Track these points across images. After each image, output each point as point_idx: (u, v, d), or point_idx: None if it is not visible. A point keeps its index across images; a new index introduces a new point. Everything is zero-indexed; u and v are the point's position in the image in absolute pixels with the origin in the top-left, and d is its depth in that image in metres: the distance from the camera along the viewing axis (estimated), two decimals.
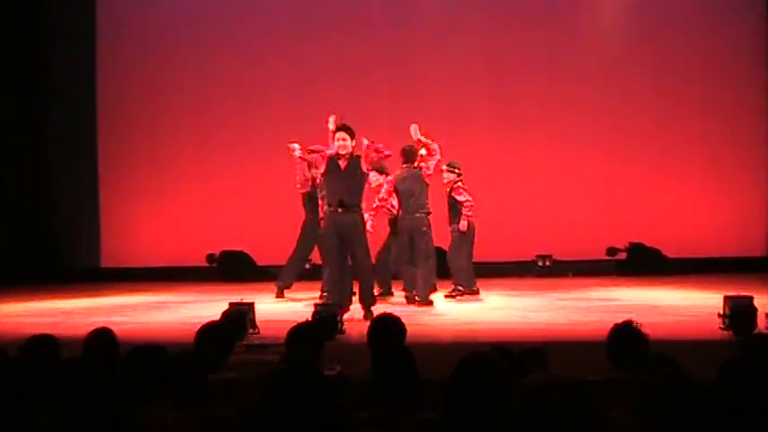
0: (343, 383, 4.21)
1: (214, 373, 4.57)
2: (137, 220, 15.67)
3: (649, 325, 4.92)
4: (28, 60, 15.79)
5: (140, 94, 15.74)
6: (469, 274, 11.15)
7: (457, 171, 11.10)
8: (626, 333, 4.74)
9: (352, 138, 9.19)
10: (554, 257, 14.47)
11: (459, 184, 11.05)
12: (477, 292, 11.06)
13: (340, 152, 9.06)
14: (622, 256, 14.49)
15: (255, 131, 15.32)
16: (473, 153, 14.28)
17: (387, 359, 3.77)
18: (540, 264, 14.39)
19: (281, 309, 9.83)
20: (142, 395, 3.45)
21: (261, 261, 14.72)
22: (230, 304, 7.93)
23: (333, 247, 9.11)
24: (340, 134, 9.11)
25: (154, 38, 15.84)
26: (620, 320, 4.89)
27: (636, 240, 14.46)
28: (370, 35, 15.37)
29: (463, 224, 10.79)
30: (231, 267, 14.85)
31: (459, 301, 10.68)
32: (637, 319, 4.87)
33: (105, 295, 12.30)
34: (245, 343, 6.86)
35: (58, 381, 3.38)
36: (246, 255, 14.91)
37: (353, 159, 9.09)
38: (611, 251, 14.47)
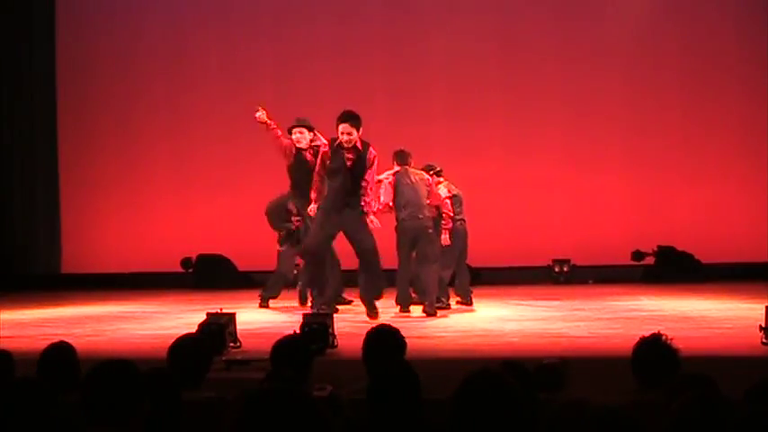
0: (335, 406, 4.20)
1: (190, 391, 4.55)
2: (101, 220, 15.67)
3: (680, 338, 4.91)
4: None
5: (106, 80, 15.76)
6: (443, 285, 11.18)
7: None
8: (654, 348, 4.72)
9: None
10: (573, 263, 14.49)
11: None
12: (447, 307, 10.98)
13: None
14: (650, 260, 14.49)
15: (238, 121, 15.29)
16: (485, 149, 14.34)
17: (385, 378, 3.74)
18: (558, 270, 14.40)
19: (265, 320, 9.82)
20: (106, 418, 3.43)
21: (242, 266, 14.73)
22: (208, 315, 7.91)
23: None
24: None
25: (121, 19, 15.84)
26: (647, 333, 4.88)
27: (665, 244, 14.46)
28: (367, 16, 15.38)
29: (445, 238, 10.87)
30: (209, 273, 14.84)
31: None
32: (666, 331, 4.86)
33: (65, 305, 12.29)
34: (224, 358, 6.84)
35: (10, 402, 3.36)
36: (226, 259, 14.91)
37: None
38: (637, 255, 14.47)
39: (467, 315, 10.40)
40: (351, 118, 9.40)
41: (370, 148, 9.52)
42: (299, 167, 10.44)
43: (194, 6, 15.78)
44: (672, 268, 14.22)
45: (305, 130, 10.16)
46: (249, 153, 14.72)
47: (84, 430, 3.29)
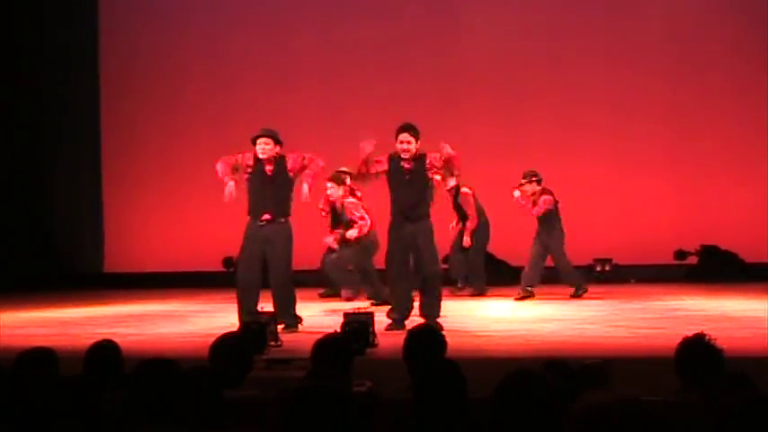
0: (374, 401, 4.20)
1: (230, 390, 4.58)
2: (144, 220, 15.78)
3: (724, 339, 4.87)
4: (25, 54, 15.95)
5: (148, 79, 15.86)
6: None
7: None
8: (697, 348, 4.69)
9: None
10: (614, 262, 14.41)
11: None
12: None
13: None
14: (693, 260, 14.38)
15: (280, 119, 15.32)
16: (527, 149, 14.31)
17: (432, 377, 3.73)
18: (599, 269, 14.33)
19: (305, 319, 9.84)
20: (150, 415, 3.47)
21: None
22: (249, 314, 7.95)
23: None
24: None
25: (164, 17, 15.94)
26: (690, 333, 4.85)
27: (708, 243, 14.35)
28: (407, 14, 15.38)
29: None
30: None
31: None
32: (709, 331, 4.83)
33: (109, 304, 12.39)
34: (265, 357, 6.87)
35: (56, 399, 3.40)
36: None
37: (419, 161, 9.14)
38: (680, 255, 14.36)
39: (508, 314, 10.38)
40: (411, 128, 9.20)
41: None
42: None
43: (236, 4, 15.85)
44: (715, 268, 14.11)
45: (270, 141, 9.36)
46: (292, 151, 14.70)
47: (127, 427, 3.33)
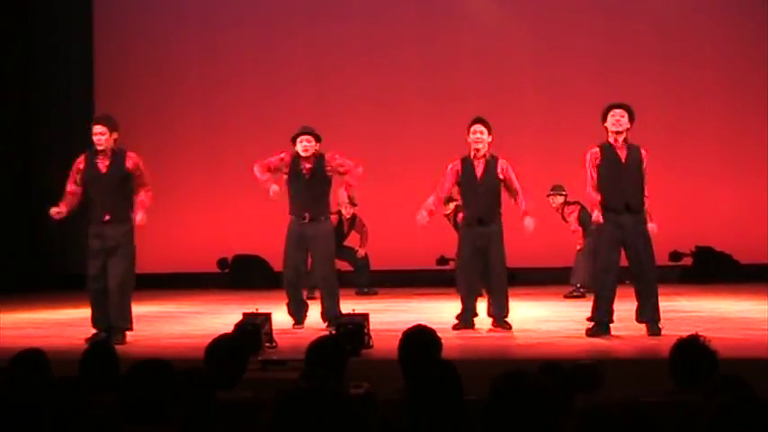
0: (372, 403, 4.20)
1: (225, 391, 4.58)
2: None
3: (718, 340, 4.87)
4: (18, 53, 15.92)
5: (141, 81, 15.85)
6: None
7: None
8: (691, 349, 4.69)
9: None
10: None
11: None
12: None
13: None
14: (687, 261, 14.39)
15: (272, 120, 15.36)
16: (519, 149, 14.28)
17: (427, 378, 3.73)
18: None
19: None
20: (144, 416, 3.46)
21: (278, 267, 14.76)
22: (244, 315, 7.95)
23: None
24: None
25: (155, 19, 15.93)
26: (684, 334, 4.85)
27: (703, 244, 14.36)
28: (401, 15, 15.39)
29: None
30: (245, 274, 14.90)
31: None
32: (704, 332, 4.83)
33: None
34: (260, 358, 6.86)
35: (49, 402, 3.39)
36: (262, 260, 14.95)
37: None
38: (675, 256, 14.37)
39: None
40: (484, 121, 9.11)
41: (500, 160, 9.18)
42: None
43: (228, 6, 15.84)
44: (710, 269, 14.12)
45: (312, 139, 9.34)
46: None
47: (120, 429, 3.32)
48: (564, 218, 12.92)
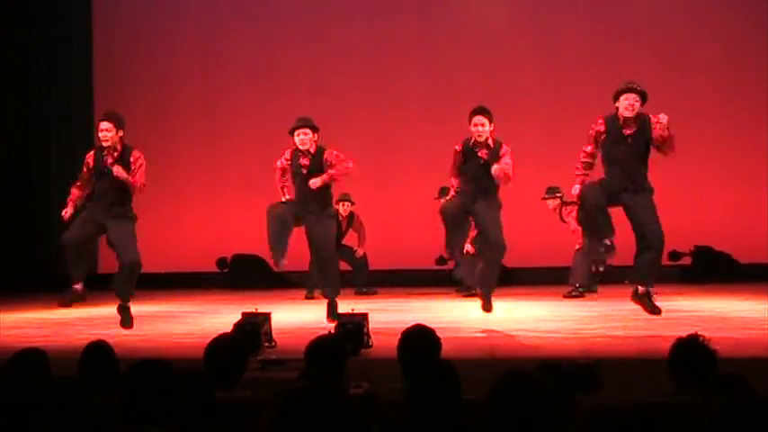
0: (372, 403, 4.19)
1: (225, 391, 4.57)
2: (138, 221, 15.74)
3: (718, 339, 4.87)
4: (18, 55, 15.92)
5: (141, 83, 15.85)
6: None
7: None
8: (691, 349, 4.69)
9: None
10: (608, 263, 14.39)
11: None
12: None
13: None
14: (687, 261, 14.38)
15: (273, 122, 15.36)
16: (519, 150, 14.22)
17: (426, 378, 3.72)
18: (593, 270, 14.31)
19: (300, 319, 9.84)
20: (144, 416, 3.46)
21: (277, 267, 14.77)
22: (243, 314, 7.94)
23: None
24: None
25: (156, 22, 15.94)
26: (684, 334, 4.85)
27: (702, 244, 14.35)
28: (401, 17, 15.39)
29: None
30: (244, 273, 14.89)
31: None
32: (703, 332, 4.83)
33: (103, 305, 12.35)
34: (259, 358, 6.86)
35: (48, 401, 3.39)
36: (261, 259, 14.94)
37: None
38: (674, 255, 14.36)
39: (501, 314, 10.37)
40: (484, 111, 9.09)
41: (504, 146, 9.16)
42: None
43: (229, 9, 15.84)
44: (709, 268, 14.11)
45: (309, 131, 9.35)
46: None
47: (119, 429, 3.32)
48: (562, 218, 12.92)
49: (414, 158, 15.00)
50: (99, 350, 5.10)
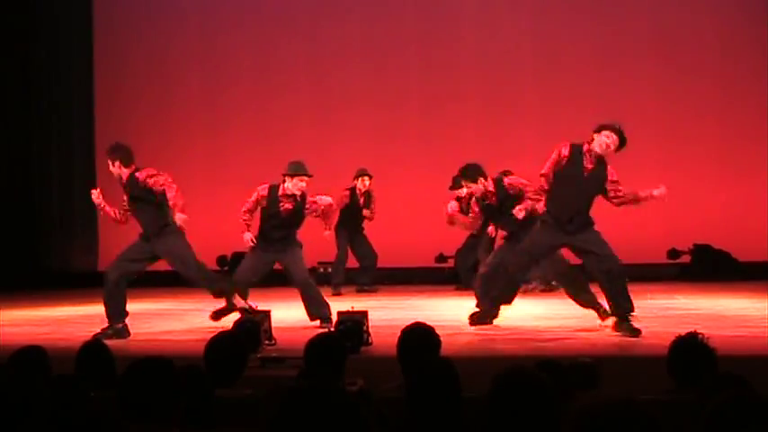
0: (366, 400, 4.20)
1: (225, 389, 4.57)
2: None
3: (717, 338, 4.87)
4: (18, 52, 15.90)
5: (141, 80, 15.84)
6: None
7: None
8: (690, 347, 4.69)
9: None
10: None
11: None
12: None
13: None
14: (686, 259, 14.38)
15: (272, 120, 15.37)
16: (518, 149, 14.29)
17: (426, 375, 3.72)
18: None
19: (299, 318, 9.83)
20: (144, 414, 3.45)
21: (277, 264, 14.76)
22: (243, 312, 7.94)
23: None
24: None
25: (156, 20, 15.93)
26: (683, 332, 4.84)
27: (701, 242, 14.35)
28: (400, 16, 15.38)
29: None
30: None
31: None
32: (702, 330, 4.83)
33: (102, 303, 12.34)
34: (259, 356, 6.85)
35: (48, 398, 3.39)
36: None
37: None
38: (673, 254, 14.37)
39: (501, 313, 10.36)
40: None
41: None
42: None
43: (229, 7, 15.83)
44: (708, 266, 14.11)
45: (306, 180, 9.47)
46: (283, 152, 14.73)
47: (119, 427, 3.31)
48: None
49: (413, 157, 15.00)
50: (95, 348, 5.10)
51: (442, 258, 14.39)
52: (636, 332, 8.02)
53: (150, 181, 8.82)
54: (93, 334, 8.19)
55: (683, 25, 14.95)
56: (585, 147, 8.39)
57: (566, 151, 8.41)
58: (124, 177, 8.89)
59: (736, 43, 14.82)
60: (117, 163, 8.91)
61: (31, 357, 4.74)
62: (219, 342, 5.06)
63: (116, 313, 8.70)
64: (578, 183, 8.36)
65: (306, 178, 9.43)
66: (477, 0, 15.39)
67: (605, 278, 8.34)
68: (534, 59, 15.12)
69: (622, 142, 8.43)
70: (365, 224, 13.56)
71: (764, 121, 14.60)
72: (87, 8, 16.02)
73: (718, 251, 14.30)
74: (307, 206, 9.50)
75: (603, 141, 8.32)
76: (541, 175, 8.57)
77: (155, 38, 15.85)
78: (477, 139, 14.51)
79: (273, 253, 9.59)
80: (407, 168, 14.88)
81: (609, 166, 8.46)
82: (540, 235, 8.52)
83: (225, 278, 9.57)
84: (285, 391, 2.37)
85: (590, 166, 8.38)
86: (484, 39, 15.18)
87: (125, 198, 9.10)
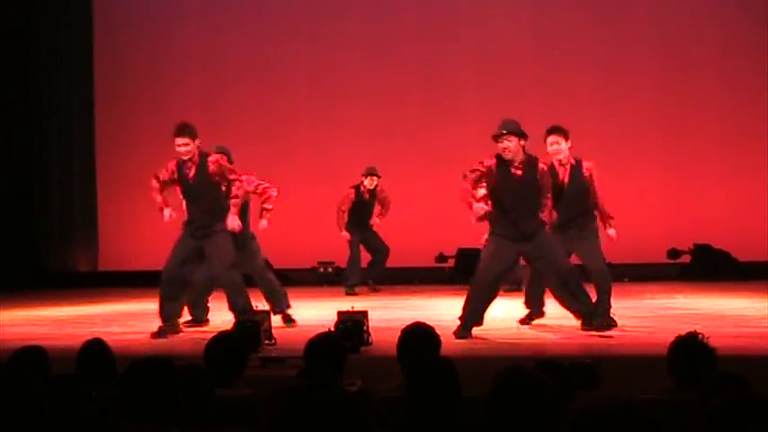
0: (365, 401, 4.19)
1: (225, 388, 4.57)
2: (138, 219, 15.74)
3: (717, 337, 4.86)
4: (18, 54, 15.91)
5: (142, 80, 15.83)
6: None
7: None
8: (690, 347, 4.69)
9: None
10: (607, 261, 14.38)
11: None
12: None
13: None
14: (686, 258, 14.37)
15: (272, 120, 15.36)
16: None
17: (426, 375, 3.72)
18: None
19: (300, 317, 9.83)
20: (144, 414, 3.46)
21: (277, 264, 14.76)
22: (244, 312, 7.94)
23: None
24: None
25: (156, 20, 15.92)
26: (683, 332, 4.84)
27: (701, 241, 14.35)
28: (401, 14, 15.38)
29: None
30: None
31: None
32: (702, 330, 4.83)
33: (103, 302, 12.37)
34: (259, 356, 6.86)
35: (48, 398, 3.39)
36: None
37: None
38: (673, 253, 14.36)
39: (501, 313, 10.37)
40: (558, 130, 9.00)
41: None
42: None
43: (228, 6, 15.83)
44: (708, 266, 14.10)
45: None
46: (283, 152, 14.78)
47: (120, 426, 3.32)
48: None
49: (413, 156, 15.00)
50: (95, 348, 5.10)
51: (442, 258, 14.39)
52: (607, 327, 8.09)
53: (223, 165, 9.38)
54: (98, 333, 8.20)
55: (683, 24, 14.95)
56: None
57: (492, 168, 8.62)
58: (195, 158, 9.14)
59: (737, 43, 14.82)
60: (197, 141, 9.42)
61: (31, 357, 4.73)
62: (219, 342, 5.06)
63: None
64: (518, 194, 8.49)
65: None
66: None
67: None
68: (534, 58, 15.12)
69: (519, 135, 8.90)
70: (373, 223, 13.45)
71: (765, 121, 14.59)
72: (87, 8, 16.01)
73: (718, 251, 14.29)
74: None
75: (502, 149, 8.67)
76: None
77: (155, 38, 15.85)
78: (478, 139, 14.48)
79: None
80: (407, 168, 14.88)
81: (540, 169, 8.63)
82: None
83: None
84: (285, 390, 2.37)
85: (520, 171, 8.59)
86: (484, 38, 15.18)
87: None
